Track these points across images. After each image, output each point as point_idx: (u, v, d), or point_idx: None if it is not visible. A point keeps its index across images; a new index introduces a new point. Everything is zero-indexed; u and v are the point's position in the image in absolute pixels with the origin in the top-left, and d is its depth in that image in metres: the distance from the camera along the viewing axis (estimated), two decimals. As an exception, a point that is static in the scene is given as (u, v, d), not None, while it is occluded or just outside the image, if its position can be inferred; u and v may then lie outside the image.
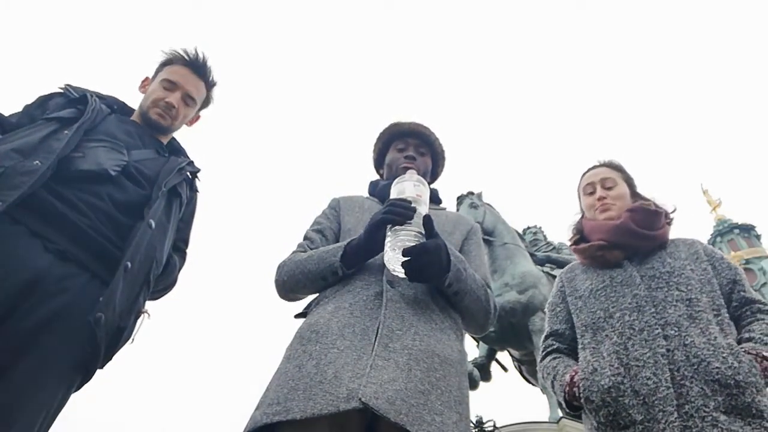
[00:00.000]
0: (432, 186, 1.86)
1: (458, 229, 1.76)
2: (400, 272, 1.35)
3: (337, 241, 1.63)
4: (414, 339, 1.31)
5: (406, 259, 1.32)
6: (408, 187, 1.44)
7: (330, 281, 1.49)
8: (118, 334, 1.51)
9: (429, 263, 1.35)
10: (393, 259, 1.34)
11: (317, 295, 1.55)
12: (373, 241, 1.41)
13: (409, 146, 1.87)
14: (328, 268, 1.48)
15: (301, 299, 1.62)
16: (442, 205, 1.95)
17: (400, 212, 1.36)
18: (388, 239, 1.36)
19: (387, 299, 1.37)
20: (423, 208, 1.41)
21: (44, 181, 1.43)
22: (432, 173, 1.93)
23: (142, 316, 1.63)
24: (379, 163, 1.99)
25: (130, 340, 1.59)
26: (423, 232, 1.36)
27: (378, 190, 1.83)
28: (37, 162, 1.44)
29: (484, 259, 1.72)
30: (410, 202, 1.39)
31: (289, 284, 1.56)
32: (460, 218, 1.82)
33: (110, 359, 1.52)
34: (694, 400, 1.42)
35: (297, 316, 1.57)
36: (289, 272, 1.56)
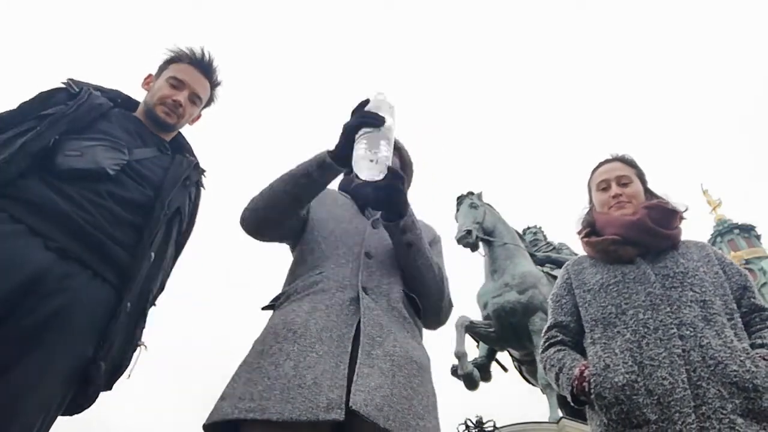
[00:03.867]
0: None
1: (426, 234, 1.74)
2: (368, 175, 1.32)
3: (305, 226, 1.62)
4: (394, 345, 1.34)
5: (373, 162, 1.31)
6: (384, 106, 1.41)
7: (313, 180, 1.46)
8: (116, 372, 1.53)
9: (397, 190, 1.42)
10: (361, 160, 1.32)
11: (284, 289, 1.54)
12: (349, 140, 1.38)
13: None
14: (313, 162, 1.45)
15: (271, 230, 1.56)
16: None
17: (374, 120, 1.35)
18: (359, 141, 1.34)
19: (364, 307, 1.38)
20: (393, 130, 1.41)
21: (13, 177, 1.42)
22: None
23: (138, 349, 1.62)
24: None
25: (127, 375, 1.59)
26: (392, 144, 1.37)
27: (351, 188, 1.81)
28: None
29: (444, 265, 1.71)
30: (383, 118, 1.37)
31: (265, 199, 1.50)
32: (426, 226, 1.83)
33: (109, 389, 1.54)
34: (711, 402, 1.42)
35: (265, 308, 1.55)
36: (263, 192, 1.51)
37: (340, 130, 1.41)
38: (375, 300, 1.43)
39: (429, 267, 1.55)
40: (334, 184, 1.85)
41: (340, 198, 1.78)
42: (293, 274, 1.58)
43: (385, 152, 1.34)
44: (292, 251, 1.69)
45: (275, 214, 1.52)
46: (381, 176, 1.33)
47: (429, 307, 1.59)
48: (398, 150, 1.90)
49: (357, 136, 1.35)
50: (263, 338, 1.37)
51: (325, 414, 1.13)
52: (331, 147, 1.45)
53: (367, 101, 1.43)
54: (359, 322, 1.35)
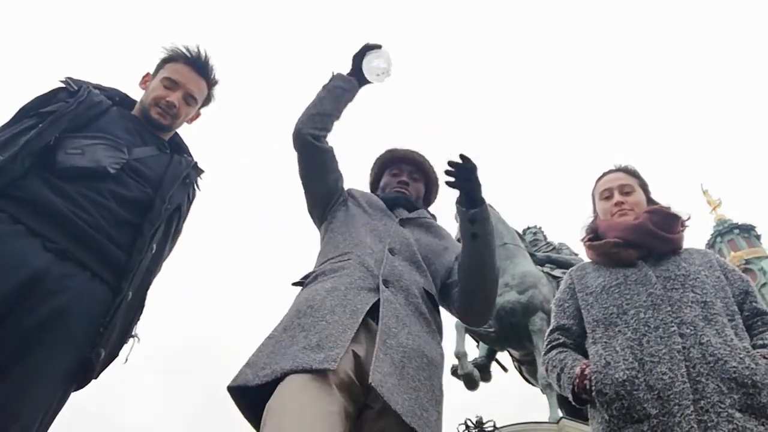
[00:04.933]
0: (428, 210, 2.03)
1: (453, 248, 1.87)
2: (374, 69, 1.90)
3: (340, 206, 1.84)
4: (408, 338, 1.42)
5: (379, 60, 1.90)
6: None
7: (337, 86, 1.88)
8: (108, 361, 1.56)
9: (468, 179, 1.57)
10: (373, 60, 1.90)
11: (314, 269, 1.68)
12: (359, 62, 1.90)
13: (403, 172, 1.99)
14: (331, 77, 1.90)
15: (319, 129, 1.80)
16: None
17: (374, 45, 1.90)
18: (366, 55, 1.90)
19: (384, 299, 1.46)
20: (390, 56, 1.94)
21: (18, 175, 1.43)
22: (425, 199, 2.05)
23: (132, 340, 1.64)
24: (374, 186, 2.08)
25: (124, 360, 1.63)
26: (391, 62, 1.91)
27: (383, 195, 1.96)
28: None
29: None
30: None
31: (308, 105, 1.85)
32: (455, 243, 1.93)
33: (95, 377, 1.56)
34: (710, 396, 1.44)
35: (295, 284, 1.68)
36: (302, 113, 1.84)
37: (352, 59, 1.92)
38: (394, 293, 1.51)
39: (490, 263, 1.62)
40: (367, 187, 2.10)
41: (373, 198, 1.91)
42: (324, 255, 1.72)
43: (388, 61, 1.91)
44: (321, 228, 1.85)
45: (312, 116, 1.81)
46: (385, 76, 1.92)
47: (479, 301, 1.67)
48: (424, 172, 2.06)
49: (367, 56, 1.90)
50: (288, 314, 1.50)
51: (319, 365, 1.25)
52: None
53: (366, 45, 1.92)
54: (374, 305, 1.44)
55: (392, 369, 1.31)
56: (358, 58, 1.90)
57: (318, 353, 1.28)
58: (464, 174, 1.56)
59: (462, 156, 1.55)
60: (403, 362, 1.35)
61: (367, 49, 1.90)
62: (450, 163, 1.55)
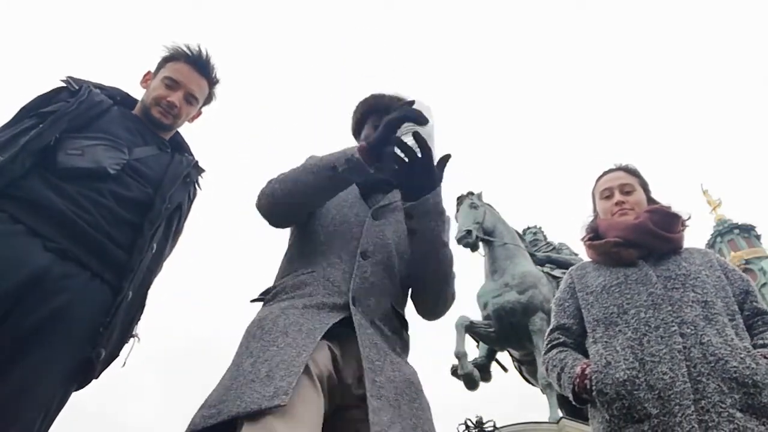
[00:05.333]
0: None
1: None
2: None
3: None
4: (392, 368, 1.31)
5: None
6: (427, 111, 1.36)
7: (338, 175, 1.37)
8: (108, 361, 1.56)
9: (432, 169, 1.35)
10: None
11: (275, 283, 1.50)
12: (390, 134, 1.33)
13: None
14: (341, 157, 1.37)
15: (288, 221, 1.52)
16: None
17: (418, 116, 1.32)
18: (403, 136, 1.33)
19: (357, 323, 1.32)
20: (434, 136, 1.38)
21: (18, 176, 1.43)
22: None
23: (132, 340, 1.64)
24: (356, 134, 1.85)
25: (122, 364, 1.63)
26: (434, 146, 1.35)
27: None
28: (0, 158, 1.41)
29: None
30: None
31: (285, 190, 1.43)
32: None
33: (96, 377, 1.56)
34: (711, 396, 1.45)
35: (253, 300, 1.52)
36: (284, 180, 1.45)
37: (383, 123, 1.35)
38: (364, 313, 1.36)
39: (432, 262, 1.45)
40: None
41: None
42: (286, 268, 1.52)
43: (427, 144, 1.33)
44: (291, 235, 1.62)
45: (295, 206, 1.46)
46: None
47: (427, 297, 1.53)
48: None
49: (400, 131, 1.32)
50: (241, 339, 1.35)
51: (269, 402, 1.09)
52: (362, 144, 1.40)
53: (411, 102, 1.37)
54: (338, 323, 1.30)
55: (392, 415, 1.21)
56: (392, 128, 1.33)
57: (267, 386, 1.12)
58: (414, 157, 1.32)
59: (416, 134, 1.31)
60: (398, 401, 1.26)
61: (406, 119, 1.32)
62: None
